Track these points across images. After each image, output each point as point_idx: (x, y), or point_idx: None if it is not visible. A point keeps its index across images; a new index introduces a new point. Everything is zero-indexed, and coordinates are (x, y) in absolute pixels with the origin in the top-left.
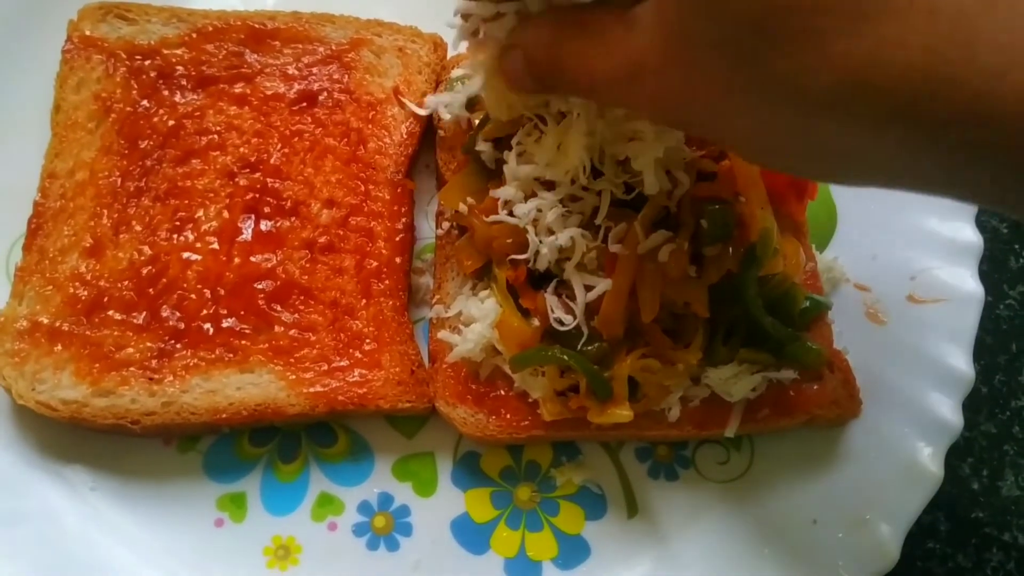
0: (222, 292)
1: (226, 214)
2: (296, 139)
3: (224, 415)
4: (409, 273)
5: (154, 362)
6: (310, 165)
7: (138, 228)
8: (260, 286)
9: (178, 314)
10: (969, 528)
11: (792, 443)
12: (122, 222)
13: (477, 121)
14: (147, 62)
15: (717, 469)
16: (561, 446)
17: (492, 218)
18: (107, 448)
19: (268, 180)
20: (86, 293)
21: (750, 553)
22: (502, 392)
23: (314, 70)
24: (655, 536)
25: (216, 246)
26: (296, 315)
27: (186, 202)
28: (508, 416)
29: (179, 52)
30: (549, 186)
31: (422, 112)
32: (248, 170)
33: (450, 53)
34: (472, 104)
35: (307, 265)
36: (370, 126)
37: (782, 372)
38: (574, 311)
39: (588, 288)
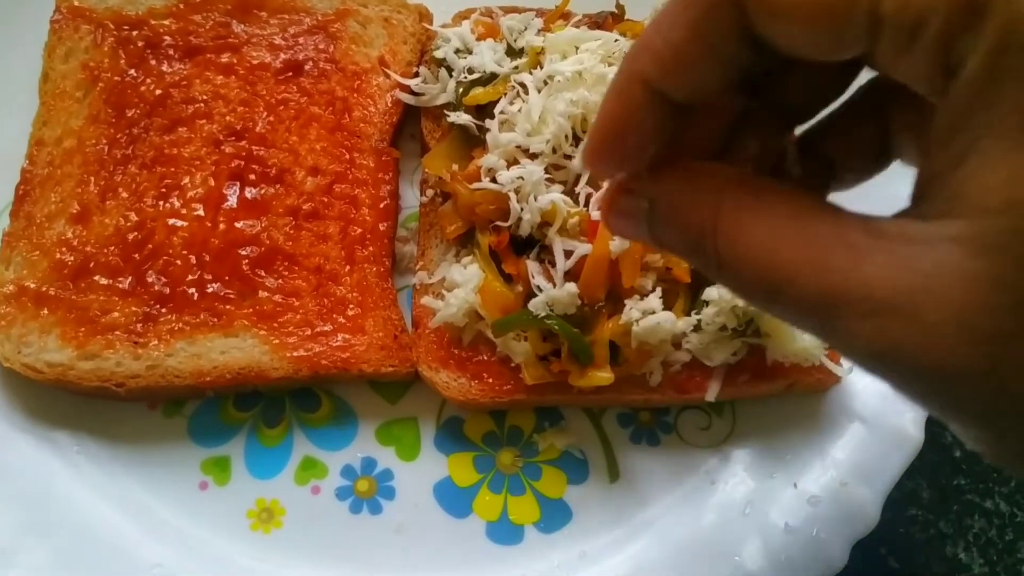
0: (207, 258)
1: (212, 181)
2: (281, 108)
3: (208, 378)
4: (393, 240)
5: (139, 326)
6: (295, 133)
7: (125, 195)
8: (245, 252)
9: (163, 279)
10: (951, 495)
11: (773, 408)
12: (109, 189)
13: (461, 89)
14: (135, 32)
15: (699, 434)
16: (544, 412)
17: (475, 185)
18: (93, 412)
19: (253, 148)
20: (72, 258)
21: (730, 517)
22: (485, 357)
23: (300, 40)
24: (636, 500)
25: (201, 213)
26: (280, 281)
27: (172, 169)
28: (491, 380)
29: (166, 22)
30: (533, 155)
31: (408, 82)
32: (234, 138)
33: (436, 23)
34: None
35: (291, 232)
36: (355, 95)
37: (762, 337)
38: (555, 277)
39: (568, 254)
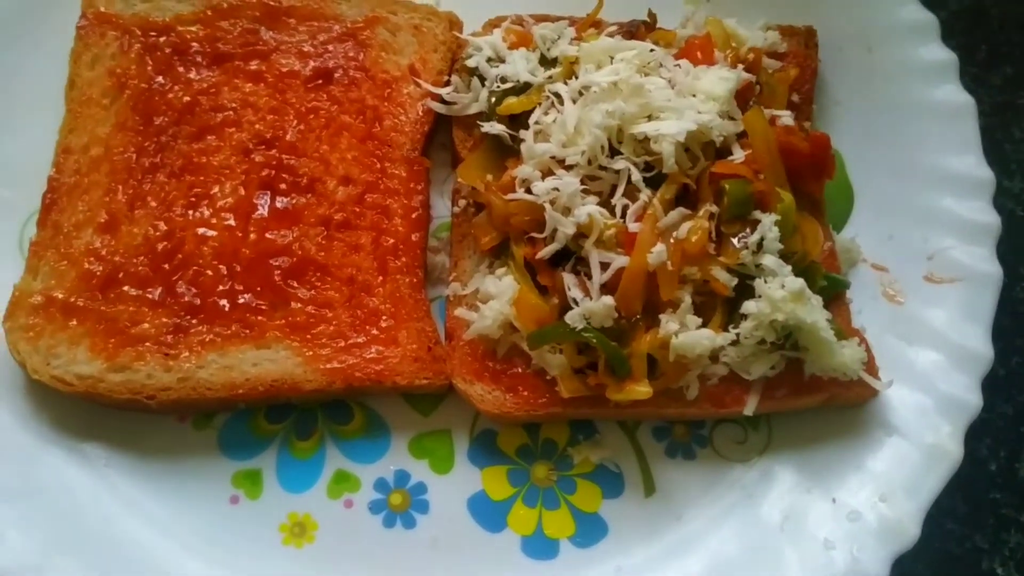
0: (238, 268)
1: (242, 190)
2: (312, 116)
3: (240, 391)
4: (425, 251)
5: (170, 338)
6: (326, 142)
7: (153, 204)
8: (276, 262)
9: (194, 290)
10: (987, 509)
11: (810, 422)
12: (137, 198)
13: (494, 98)
14: (162, 39)
15: (735, 448)
16: (578, 424)
17: (510, 196)
18: (122, 425)
19: (284, 157)
20: (101, 268)
21: (767, 532)
22: (519, 369)
23: (329, 48)
24: (672, 515)
25: (232, 222)
26: (312, 291)
27: (201, 178)
28: (526, 393)
29: (194, 29)
30: (568, 166)
31: (439, 91)
32: (264, 147)
33: (466, 31)
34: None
35: (323, 242)
36: (386, 104)
37: (800, 350)
38: (591, 290)
39: (605, 266)
